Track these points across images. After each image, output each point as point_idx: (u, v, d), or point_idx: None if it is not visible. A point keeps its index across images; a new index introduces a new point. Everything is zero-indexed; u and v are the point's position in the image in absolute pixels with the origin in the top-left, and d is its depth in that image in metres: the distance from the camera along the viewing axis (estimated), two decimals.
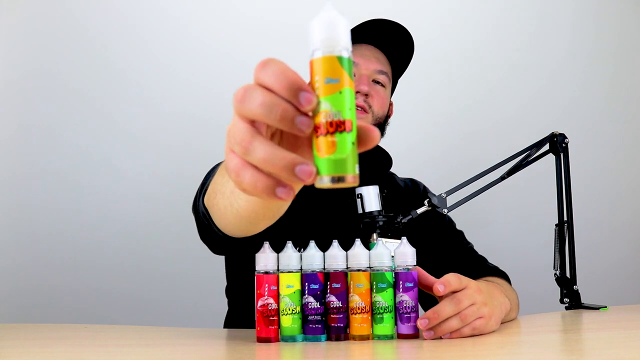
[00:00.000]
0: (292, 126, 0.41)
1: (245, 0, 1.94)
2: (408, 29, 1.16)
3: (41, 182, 1.80)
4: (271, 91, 0.41)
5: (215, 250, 1.02)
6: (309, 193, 1.20)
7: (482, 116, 1.98)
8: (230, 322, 1.24)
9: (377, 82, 1.16)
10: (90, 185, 1.82)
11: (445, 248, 1.18)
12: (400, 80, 1.29)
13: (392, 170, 1.27)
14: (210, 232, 0.88)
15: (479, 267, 1.13)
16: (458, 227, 1.26)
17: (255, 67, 0.42)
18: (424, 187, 1.29)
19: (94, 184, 1.82)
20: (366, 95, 1.13)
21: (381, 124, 1.19)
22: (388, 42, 1.18)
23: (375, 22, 1.16)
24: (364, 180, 0.98)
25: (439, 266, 1.14)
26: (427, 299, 1.10)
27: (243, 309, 1.20)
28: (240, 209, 0.67)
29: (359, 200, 0.97)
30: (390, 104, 1.26)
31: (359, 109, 1.13)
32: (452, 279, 0.80)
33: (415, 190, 1.26)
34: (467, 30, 2.01)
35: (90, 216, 1.81)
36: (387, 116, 1.22)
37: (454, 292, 0.80)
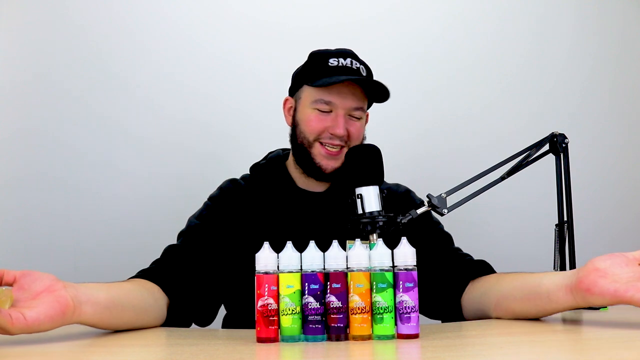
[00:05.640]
0: None
1: (244, 3, 1.94)
2: (385, 85, 1.16)
3: (40, 184, 1.80)
4: None
5: (202, 322, 1.14)
6: (308, 195, 1.21)
7: (482, 116, 1.98)
8: (228, 325, 1.27)
9: (352, 116, 1.18)
10: (89, 187, 1.82)
11: (434, 249, 1.18)
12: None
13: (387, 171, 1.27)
14: (178, 318, 1.04)
15: (473, 267, 1.14)
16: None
17: None
18: (406, 189, 1.30)
19: (93, 185, 1.82)
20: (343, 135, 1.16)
21: None
22: (365, 84, 1.18)
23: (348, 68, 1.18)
24: (364, 180, 0.98)
25: (429, 267, 1.14)
26: (427, 299, 1.10)
27: (240, 312, 1.21)
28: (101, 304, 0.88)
29: (358, 201, 0.97)
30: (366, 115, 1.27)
31: (335, 148, 1.17)
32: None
33: (397, 194, 1.27)
34: (469, 32, 2.01)
35: (89, 218, 1.81)
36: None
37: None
